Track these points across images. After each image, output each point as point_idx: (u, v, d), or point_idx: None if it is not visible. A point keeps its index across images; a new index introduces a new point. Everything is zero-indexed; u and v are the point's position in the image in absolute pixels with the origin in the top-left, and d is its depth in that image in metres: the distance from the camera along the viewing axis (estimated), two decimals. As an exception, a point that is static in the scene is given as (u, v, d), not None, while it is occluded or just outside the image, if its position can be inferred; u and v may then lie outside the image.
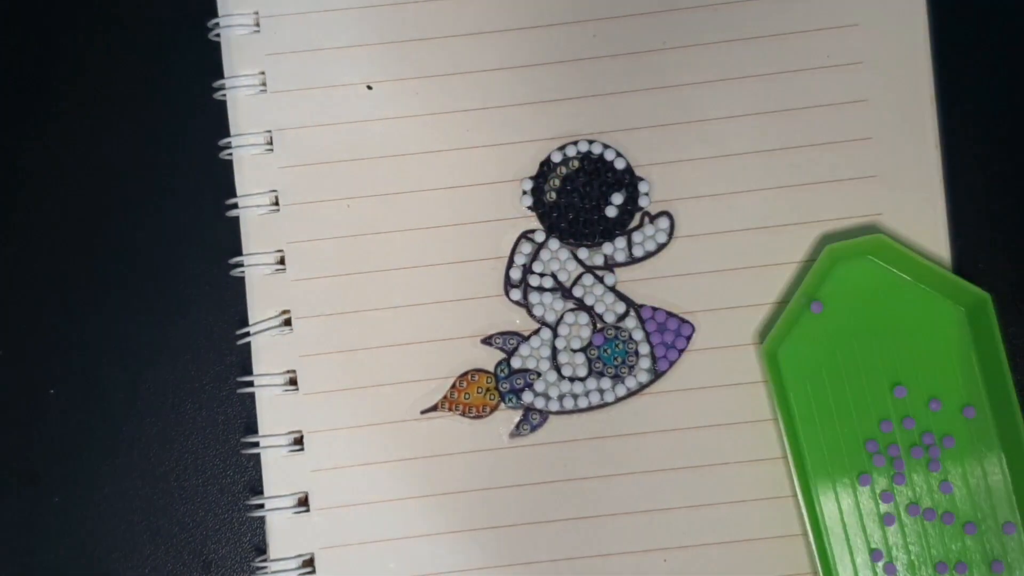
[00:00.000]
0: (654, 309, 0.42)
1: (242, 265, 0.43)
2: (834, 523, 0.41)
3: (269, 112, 0.43)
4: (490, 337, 0.42)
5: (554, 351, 0.42)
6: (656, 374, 0.42)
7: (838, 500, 0.41)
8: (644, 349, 0.42)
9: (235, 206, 0.43)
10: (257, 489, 0.43)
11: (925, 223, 0.43)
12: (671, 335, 0.42)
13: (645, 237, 0.43)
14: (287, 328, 0.43)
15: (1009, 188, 0.43)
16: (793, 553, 0.42)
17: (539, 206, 0.43)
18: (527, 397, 0.42)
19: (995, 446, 0.41)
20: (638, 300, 0.43)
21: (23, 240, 0.44)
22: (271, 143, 0.43)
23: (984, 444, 0.41)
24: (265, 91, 0.43)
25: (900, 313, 0.42)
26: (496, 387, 0.42)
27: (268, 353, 0.43)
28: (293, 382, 0.43)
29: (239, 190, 0.43)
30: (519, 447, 0.42)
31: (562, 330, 0.42)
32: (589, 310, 0.43)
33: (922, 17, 0.43)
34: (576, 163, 0.43)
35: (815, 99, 0.43)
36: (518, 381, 0.42)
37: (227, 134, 0.43)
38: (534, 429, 0.42)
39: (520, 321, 0.43)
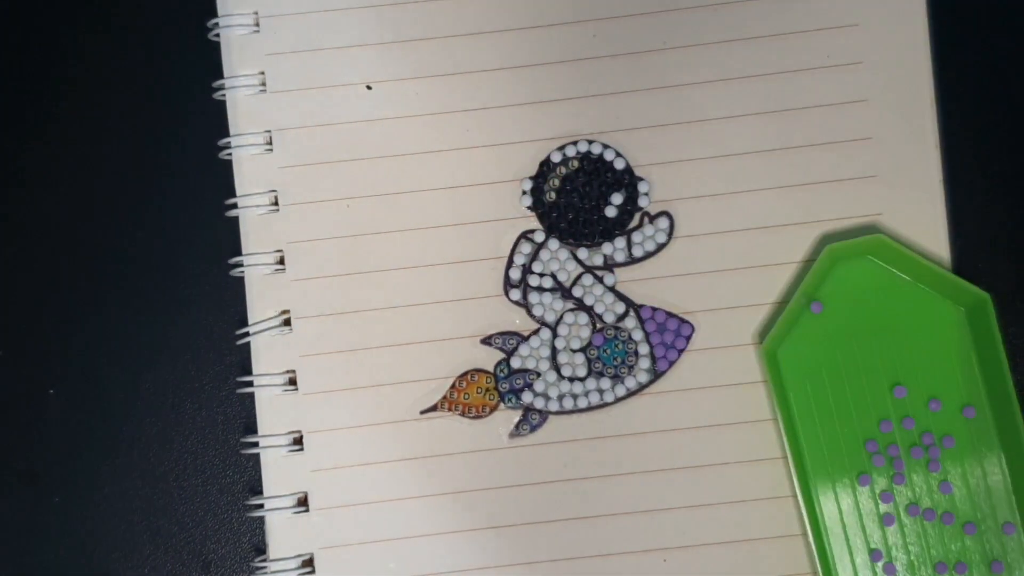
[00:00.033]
0: (654, 309, 0.42)
1: (242, 265, 0.43)
2: (834, 523, 0.41)
3: (269, 112, 0.43)
4: (490, 337, 0.42)
5: (554, 351, 0.42)
6: (656, 374, 0.42)
7: (838, 500, 0.41)
8: (644, 349, 0.42)
9: (235, 206, 0.43)
10: (257, 489, 0.43)
11: (925, 223, 0.43)
12: (671, 335, 0.42)
13: (645, 237, 0.43)
14: (287, 328, 0.43)
15: (1009, 188, 0.43)
16: (793, 553, 0.42)
17: (539, 206, 0.43)
18: (527, 397, 0.42)
19: (995, 446, 0.41)
20: (638, 300, 0.43)
21: (23, 240, 0.44)
22: (271, 143, 0.43)
23: (984, 444, 0.41)
24: (265, 91, 0.43)
25: (900, 313, 0.42)
26: (496, 387, 0.42)
27: (268, 353, 0.43)
28: (293, 382, 0.43)
29: (239, 190, 0.43)
30: (519, 447, 0.42)
31: (562, 330, 0.42)
32: (589, 310, 0.43)
33: (922, 17, 0.43)
34: (576, 163, 0.43)
35: (815, 99, 0.43)
36: (518, 381, 0.42)
37: (227, 134, 0.43)
38: (534, 429, 0.42)
39: (520, 321, 0.43)
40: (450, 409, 0.42)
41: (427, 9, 0.43)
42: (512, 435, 0.42)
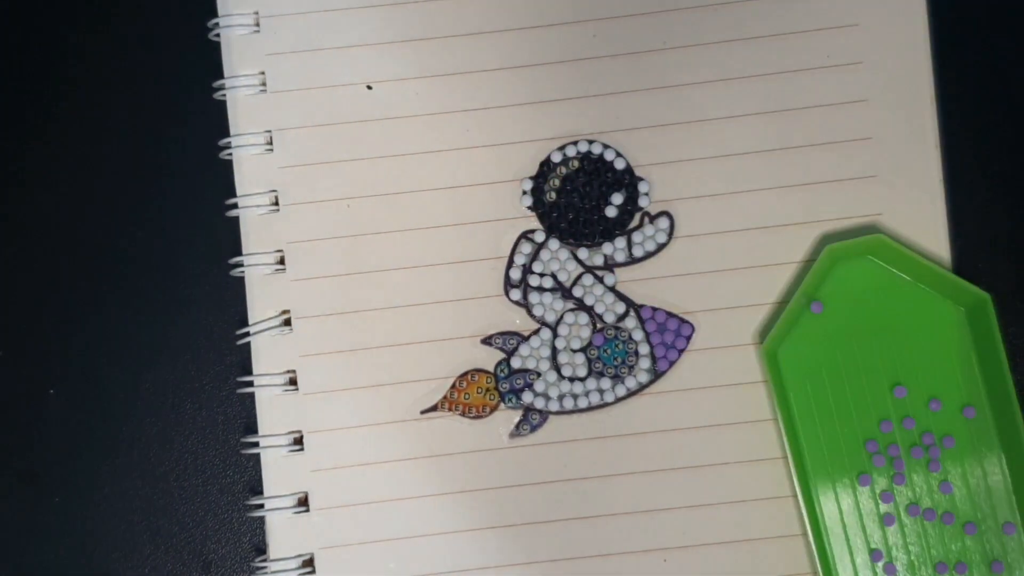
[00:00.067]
0: (654, 309, 0.42)
1: (242, 265, 0.43)
2: (834, 523, 0.41)
3: (269, 112, 0.43)
4: (490, 337, 0.42)
5: (554, 351, 0.42)
6: (656, 374, 0.42)
7: (838, 500, 0.41)
8: (644, 349, 0.42)
9: (235, 206, 0.43)
10: (257, 489, 0.43)
11: (925, 223, 0.43)
12: (671, 335, 0.42)
13: (645, 237, 0.43)
14: (287, 328, 0.43)
15: (1009, 188, 0.43)
16: (793, 553, 0.42)
17: (539, 206, 0.43)
18: (527, 397, 0.42)
19: (995, 446, 0.41)
20: (638, 300, 0.43)
21: (23, 240, 0.44)
22: (271, 143, 0.43)
23: (984, 444, 0.41)
24: (265, 91, 0.43)
25: (900, 313, 0.42)
26: (496, 387, 0.42)
27: (268, 353, 0.43)
28: (293, 382, 0.43)
29: (239, 190, 0.43)
30: (519, 447, 0.42)
31: (562, 330, 0.42)
32: (589, 310, 0.43)
33: (922, 17, 0.43)
34: (576, 163, 0.43)
35: (815, 99, 0.43)
36: (518, 381, 0.42)
37: (227, 134, 0.43)
38: (534, 429, 0.42)
39: (520, 321, 0.43)
40: (450, 409, 0.42)
41: (427, 9, 0.43)
42: (512, 435, 0.42)
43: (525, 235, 0.43)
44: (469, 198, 0.43)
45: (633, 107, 0.43)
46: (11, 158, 0.44)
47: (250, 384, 0.43)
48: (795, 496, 0.41)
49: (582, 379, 0.42)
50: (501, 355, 0.42)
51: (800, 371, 0.41)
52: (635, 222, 0.43)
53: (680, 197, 0.43)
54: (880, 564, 0.41)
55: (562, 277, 0.43)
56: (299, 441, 0.42)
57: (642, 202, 0.43)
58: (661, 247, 0.43)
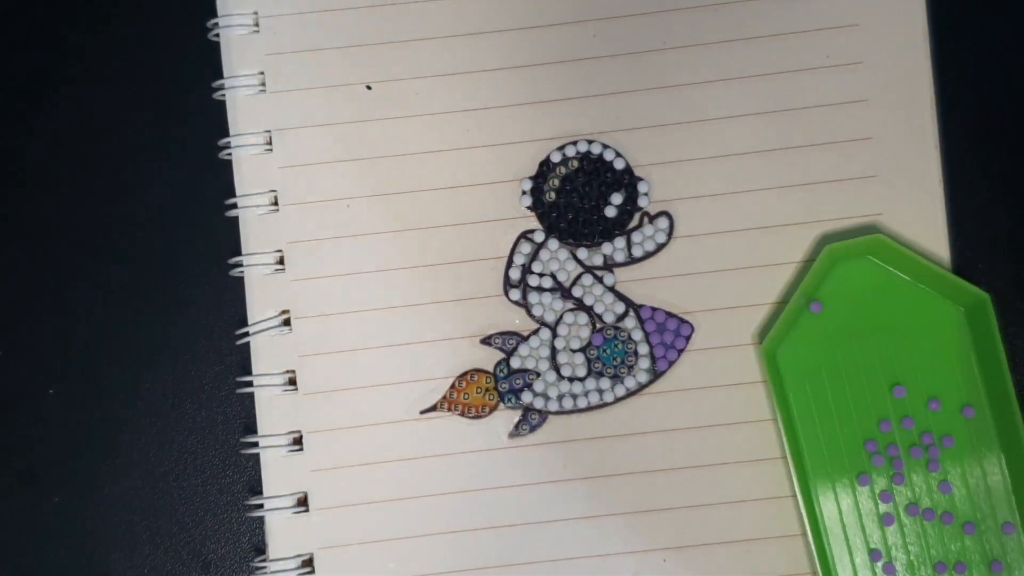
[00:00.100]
0: (653, 309, 0.42)
1: (242, 265, 0.43)
2: (833, 523, 0.41)
3: (269, 112, 0.43)
4: (489, 337, 0.42)
5: (553, 351, 0.42)
6: (655, 374, 0.42)
7: (837, 500, 0.41)
8: (643, 349, 0.42)
9: (235, 206, 0.43)
10: (256, 489, 0.43)
11: (925, 223, 0.43)
12: (670, 335, 0.42)
13: (644, 237, 0.43)
14: (286, 328, 0.43)
15: (1009, 188, 0.43)
16: (793, 553, 0.42)
17: (538, 206, 0.43)
18: (526, 397, 0.42)
19: (995, 446, 0.41)
20: (637, 300, 0.43)
21: (23, 240, 0.44)
22: (270, 143, 0.43)
23: (983, 444, 0.41)
24: (264, 91, 0.43)
25: (900, 313, 0.42)
26: (495, 387, 0.42)
27: (267, 353, 0.43)
28: (292, 382, 0.43)
29: (238, 190, 0.43)
30: (518, 447, 0.42)
31: (561, 330, 0.42)
32: (588, 310, 0.43)
33: (922, 17, 0.43)
34: (575, 163, 0.43)
35: (815, 99, 0.43)
36: (517, 381, 0.42)
37: (227, 134, 0.43)
38: (533, 429, 0.42)
39: (519, 321, 0.43)
40: (450, 409, 0.42)
41: (427, 9, 0.43)
42: (512, 435, 0.42)
43: (525, 235, 0.43)
44: (469, 198, 0.43)
45: (633, 107, 0.43)
46: (11, 158, 0.44)
47: (250, 384, 0.43)
48: (794, 496, 0.41)
49: (581, 379, 0.42)
50: (500, 355, 0.42)
51: (799, 371, 0.41)
52: (634, 222, 0.43)
53: (680, 197, 0.43)
54: (879, 564, 0.41)
55: (561, 277, 0.43)
56: (298, 441, 0.42)
57: (642, 202, 0.43)
58: (660, 247, 0.43)
